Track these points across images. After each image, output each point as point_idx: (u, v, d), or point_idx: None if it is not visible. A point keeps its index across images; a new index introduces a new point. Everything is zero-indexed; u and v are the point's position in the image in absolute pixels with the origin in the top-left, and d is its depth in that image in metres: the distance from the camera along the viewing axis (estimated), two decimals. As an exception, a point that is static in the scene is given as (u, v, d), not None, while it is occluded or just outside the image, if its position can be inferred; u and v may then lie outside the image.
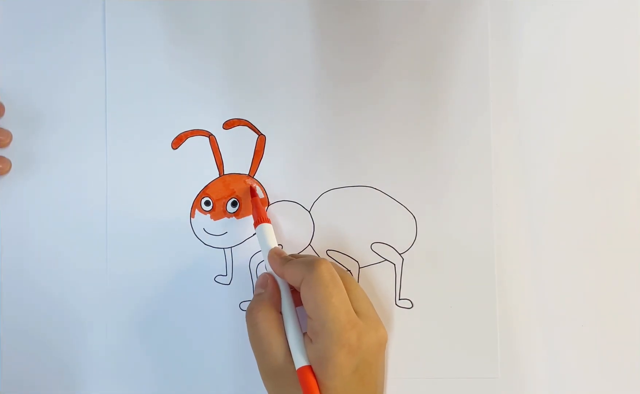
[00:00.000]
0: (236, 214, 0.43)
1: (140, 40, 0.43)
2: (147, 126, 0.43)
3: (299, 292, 0.37)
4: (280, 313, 0.38)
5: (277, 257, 0.39)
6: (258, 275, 0.43)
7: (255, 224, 0.41)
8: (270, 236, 0.40)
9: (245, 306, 0.43)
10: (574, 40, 0.44)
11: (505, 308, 0.43)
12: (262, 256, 0.41)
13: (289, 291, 0.39)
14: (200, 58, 0.43)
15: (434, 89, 0.43)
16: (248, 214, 0.43)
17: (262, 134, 0.43)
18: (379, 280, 0.43)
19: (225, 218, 0.43)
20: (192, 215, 0.43)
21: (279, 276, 0.39)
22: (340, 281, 0.37)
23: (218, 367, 0.42)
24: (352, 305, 0.37)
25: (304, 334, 0.37)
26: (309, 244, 0.43)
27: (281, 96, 0.44)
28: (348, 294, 0.37)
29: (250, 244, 0.43)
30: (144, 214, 0.43)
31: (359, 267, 0.43)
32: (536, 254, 0.43)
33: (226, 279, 0.43)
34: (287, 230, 0.43)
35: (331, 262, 0.38)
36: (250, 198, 0.43)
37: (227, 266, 0.43)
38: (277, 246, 0.40)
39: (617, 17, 0.44)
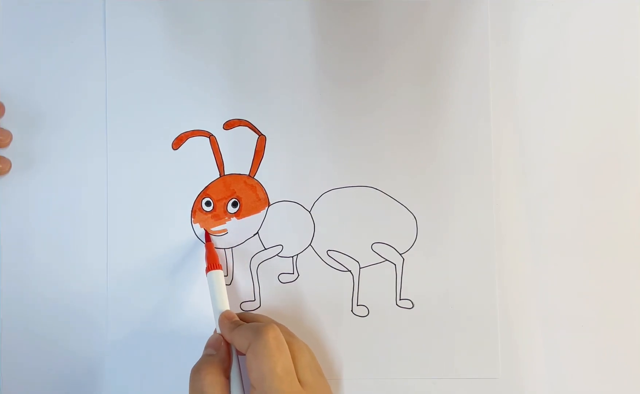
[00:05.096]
0: (237, 215, 0.43)
1: (140, 41, 0.43)
2: (147, 126, 0.43)
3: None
4: (228, 378, 0.37)
5: (227, 322, 0.38)
6: (259, 275, 0.43)
7: (207, 270, 0.41)
8: (221, 295, 0.40)
9: (246, 306, 0.43)
10: (574, 40, 0.44)
11: (506, 308, 0.43)
12: (213, 312, 0.40)
13: (237, 357, 0.38)
14: (200, 59, 0.43)
15: (434, 89, 0.43)
16: (249, 215, 0.43)
17: (262, 134, 0.44)
18: (380, 280, 0.43)
19: (226, 218, 0.43)
20: (192, 215, 0.43)
21: (228, 341, 0.38)
22: (287, 350, 0.36)
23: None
24: (297, 374, 0.36)
25: None
26: (309, 244, 0.43)
27: (281, 96, 0.44)
28: (294, 362, 0.36)
29: (251, 244, 0.43)
30: (144, 215, 0.43)
31: (360, 268, 0.43)
32: (536, 254, 0.43)
33: (227, 280, 0.43)
34: (287, 230, 0.43)
35: (280, 328, 0.37)
36: (205, 243, 0.43)
37: (227, 266, 0.43)
38: (227, 308, 0.40)
39: (617, 17, 0.44)
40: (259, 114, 0.44)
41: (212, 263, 0.41)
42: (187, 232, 0.43)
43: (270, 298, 0.43)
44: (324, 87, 0.44)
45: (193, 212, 0.43)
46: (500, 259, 0.43)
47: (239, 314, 0.40)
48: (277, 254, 0.43)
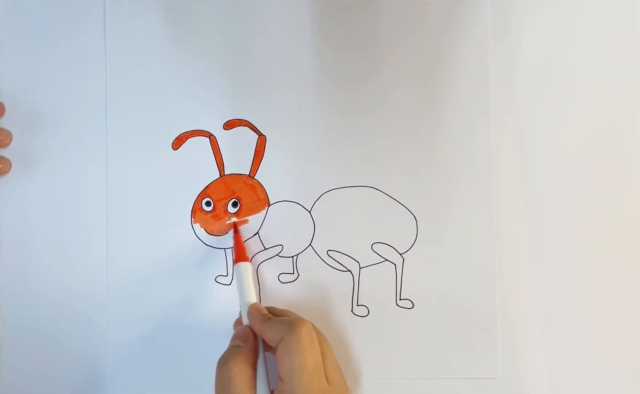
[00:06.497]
0: (237, 215, 0.43)
1: (140, 41, 0.43)
2: (147, 126, 0.43)
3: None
4: (254, 370, 0.37)
5: (258, 314, 0.38)
6: (259, 275, 0.43)
7: (235, 262, 0.41)
8: (249, 287, 0.40)
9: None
10: (574, 40, 0.44)
11: (506, 308, 0.43)
12: (239, 304, 0.40)
13: (263, 349, 0.38)
14: (200, 59, 0.43)
15: (434, 89, 0.43)
16: (249, 215, 0.43)
17: (262, 134, 0.44)
18: (380, 280, 0.43)
19: (226, 218, 0.43)
20: (193, 215, 0.43)
21: (257, 333, 0.38)
22: (318, 346, 0.36)
23: (219, 367, 0.42)
24: (324, 371, 0.36)
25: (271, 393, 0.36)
26: (310, 244, 0.43)
27: (281, 96, 0.44)
28: (322, 359, 0.36)
29: (251, 244, 0.43)
30: (144, 215, 0.43)
31: (360, 268, 0.43)
32: (536, 254, 0.43)
33: (227, 280, 0.43)
34: (287, 230, 0.43)
35: (312, 325, 0.37)
36: (233, 234, 0.43)
37: (227, 266, 0.43)
38: (255, 300, 0.40)
39: (617, 17, 0.44)
40: (259, 114, 0.44)
41: (241, 255, 0.41)
42: (187, 232, 0.43)
43: (270, 298, 0.43)
44: (324, 87, 0.44)
45: (193, 212, 0.43)
46: (500, 259, 0.43)
47: (266, 308, 0.40)
48: (277, 254, 0.43)
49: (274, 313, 0.39)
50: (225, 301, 0.43)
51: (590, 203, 0.43)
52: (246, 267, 0.41)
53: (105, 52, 0.43)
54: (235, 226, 0.43)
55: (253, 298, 0.40)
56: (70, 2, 0.44)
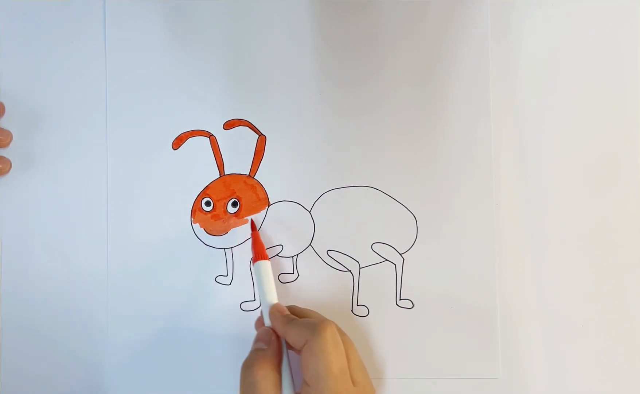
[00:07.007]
0: (237, 215, 0.43)
1: (141, 40, 0.43)
2: (147, 126, 0.43)
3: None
4: (279, 373, 0.36)
5: (280, 315, 0.38)
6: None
7: (254, 260, 0.41)
8: (269, 286, 0.39)
9: (246, 306, 0.43)
10: (574, 40, 0.44)
11: (506, 308, 0.43)
12: (260, 304, 0.40)
13: (287, 351, 0.38)
14: (200, 59, 0.44)
15: (434, 89, 0.43)
16: (249, 214, 0.43)
17: (262, 134, 0.44)
18: (380, 280, 0.43)
19: (226, 218, 0.43)
20: (192, 215, 0.43)
21: (280, 335, 0.38)
22: (342, 348, 0.36)
23: (218, 367, 0.42)
24: (350, 372, 0.36)
25: None
26: (310, 244, 0.43)
27: (281, 96, 0.44)
28: (347, 361, 0.36)
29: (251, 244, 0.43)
30: (144, 214, 0.43)
31: (360, 268, 0.43)
32: (536, 254, 0.43)
33: (227, 280, 0.43)
34: (287, 230, 0.43)
35: (335, 326, 0.36)
36: (251, 232, 0.43)
37: (227, 266, 0.43)
38: (276, 300, 0.39)
39: (618, 17, 0.44)
40: (259, 114, 0.44)
41: (259, 253, 0.41)
42: (187, 232, 0.43)
43: (270, 298, 0.43)
44: (324, 87, 0.44)
45: (193, 212, 0.43)
46: (500, 259, 0.43)
47: (288, 307, 0.39)
48: (277, 254, 0.43)
49: (296, 313, 0.39)
50: (225, 301, 0.43)
51: (590, 203, 0.43)
52: (266, 265, 0.40)
53: (105, 52, 0.44)
54: (252, 223, 0.43)
55: (274, 298, 0.39)
56: (70, 2, 0.44)
